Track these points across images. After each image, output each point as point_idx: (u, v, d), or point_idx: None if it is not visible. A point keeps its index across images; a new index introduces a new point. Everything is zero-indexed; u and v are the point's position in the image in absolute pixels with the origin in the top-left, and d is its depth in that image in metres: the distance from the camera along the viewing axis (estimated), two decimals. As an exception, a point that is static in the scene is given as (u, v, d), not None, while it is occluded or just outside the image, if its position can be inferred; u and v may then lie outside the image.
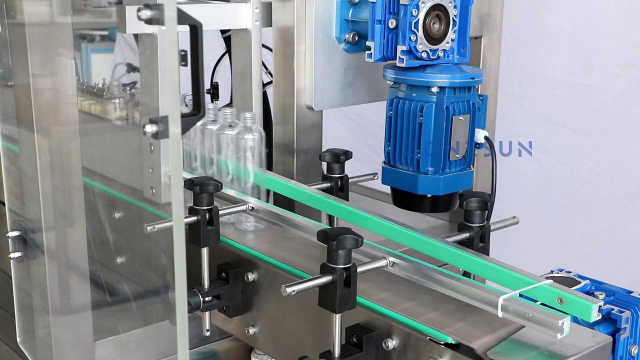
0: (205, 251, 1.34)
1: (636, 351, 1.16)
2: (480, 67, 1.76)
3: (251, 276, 1.36)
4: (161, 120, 0.86)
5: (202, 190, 1.31)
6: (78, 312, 1.44)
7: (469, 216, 1.29)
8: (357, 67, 1.67)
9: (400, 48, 1.42)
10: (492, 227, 1.33)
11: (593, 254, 2.50)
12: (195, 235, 1.33)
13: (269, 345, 1.37)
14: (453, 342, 1.07)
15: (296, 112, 1.63)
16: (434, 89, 1.44)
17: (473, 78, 1.47)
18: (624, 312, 1.14)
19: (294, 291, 1.08)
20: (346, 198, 1.56)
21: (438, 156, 1.46)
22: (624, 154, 2.40)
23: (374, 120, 2.87)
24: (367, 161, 2.75)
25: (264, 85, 1.78)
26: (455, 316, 1.13)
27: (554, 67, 2.47)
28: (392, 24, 1.44)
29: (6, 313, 1.71)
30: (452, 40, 1.47)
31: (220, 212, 1.35)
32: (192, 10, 1.06)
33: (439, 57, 1.46)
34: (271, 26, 1.65)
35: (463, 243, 1.27)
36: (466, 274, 1.22)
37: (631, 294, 1.21)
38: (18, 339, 1.56)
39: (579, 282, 1.24)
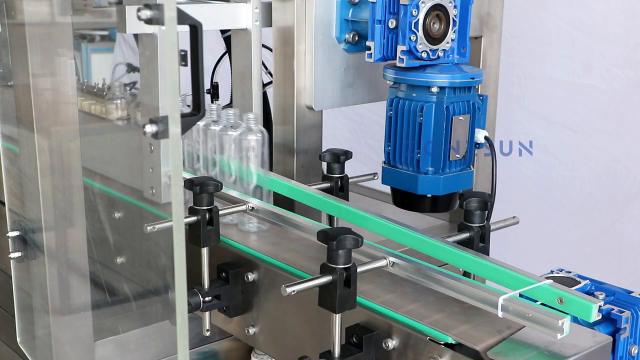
0: (205, 251, 1.34)
1: (636, 351, 1.16)
2: (480, 67, 1.76)
3: (251, 276, 1.36)
4: (161, 120, 0.86)
5: (202, 190, 1.31)
6: (78, 312, 1.44)
7: (469, 216, 1.29)
8: (357, 67, 1.67)
9: (400, 48, 1.42)
10: (492, 227, 1.33)
11: (593, 254, 2.50)
12: (195, 235, 1.33)
13: (269, 345, 1.37)
14: (453, 342, 1.07)
15: (296, 112, 1.63)
16: (434, 89, 1.44)
17: (473, 78, 1.47)
18: (624, 312, 1.14)
19: (294, 291, 1.08)
20: (346, 198, 1.56)
21: (438, 156, 1.46)
22: (624, 154, 2.40)
23: (374, 120, 2.87)
24: (367, 161, 2.75)
25: (264, 85, 1.78)
26: (460, 318, 1.13)
27: (554, 67, 2.47)
28: (392, 24, 1.44)
29: (6, 313, 1.71)
30: (452, 40, 1.47)
31: (220, 212, 1.35)
32: (192, 10, 1.06)
33: (439, 57, 1.46)
34: (271, 26, 1.65)
35: (463, 243, 1.27)
36: (466, 274, 1.22)
37: (631, 294, 1.21)
38: (18, 339, 1.55)
39: (579, 282, 1.24)
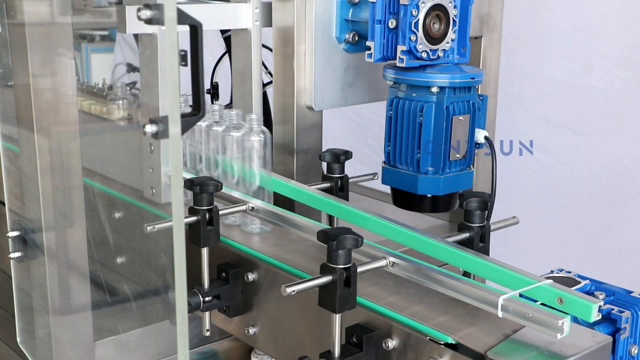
0: (205, 251, 1.34)
1: (636, 351, 1.16)
2: (480, 67, 1.76)
3: (251, 276, 1.36)
4: (161, 120, 0.86)
5: (202, 190, 1.31)
6: (78, 312, 1.44)
7: (469, 216, 1.29)
8: (357, 67, 1.67)
9: (400, 48, 1.42)
10: (492, 227, 1.33)
11: (593, 254, 2.51)
12: (195, 235, 1.33)
13: (269, 345, 1.37)
14: (453, 342, 1.07)
15: (296, 112, 1.63)
16: (434, 89, 1.44)
17: (473, 78, 1.47)
18: (624, 312, 1.14)
19: (294, 291, 1.08)
20: (346, 198, 1.56)
21: (438, 156, 1.46)
22: (624, 154, 2.40)
23: (374, 120, 2.87)
24: (367, 161, 2.75)
25: (264, 85, 1.78)
26: (465, 320, 1.13)
27: (554, 67, 2.47)
28: (392, 24, 1.44)
29: (6, 313, 1.71)
30: (452, 40, 1.47)
31: (220, 212, 1.35)
32: (192, 10, 1.06)
33: (439, 57, 1.46)
34: (271, 26, 1.65)
35: (463, 243, 1.27)
36: (466, 274, 1.22)
37: (631, 294, 1.21)
38: (18, 339, 1.55)
39: (579, 282, 1.24)
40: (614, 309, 1.15)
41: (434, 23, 1.44)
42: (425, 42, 1.43)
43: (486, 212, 1.30)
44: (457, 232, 1.30)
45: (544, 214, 2.58)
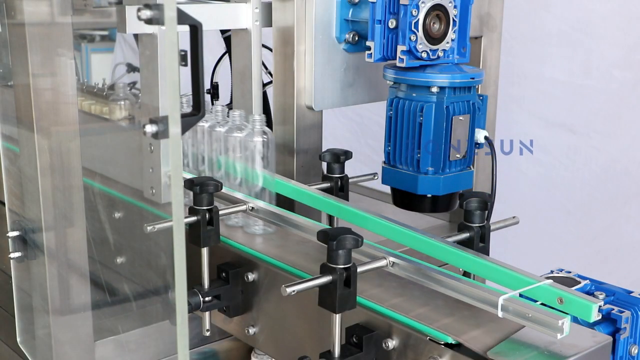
0: (205, 251, 1.34)
1: (636, 351, 1.16)
2: (480, 67, 1.76)
3: (251, 276, 1.35)
4: (161, 120, 0.86)
5: (202, 190, 1.31)
6: (78, 312, 1.44)
7: (469, 216, 1.29)
8: (357, 67, 1.67)
9: (400, 48, 1.42)
10: (492, 227, 1.33)
11: (593, 254, 2.51)
12: (195, 235, 1.33)
13: (269, 345, 1.37)
14: (453, 342, 1.07)
15: (296, 112, 1.63)
16: (434, 89, 1.44)
17: (473, 78, 1.47)
18: (624, 312, 1.14)
19: (294, 291, 1.08)
20: (346, 198, 1.56)
21: (438, 156, 1.46)
22: (623, 154, 2.40)
23: (374, 120, 2.87)
24: (367, 161, 2.75)
25: (264, 85, 1.78)
26: (470, 322, 1.12)
27: (554, 67, 2.47)
28: (392, 24, 1.44)
29: (6, 313, 1.71)
30: (452, 40, 1.47)
31: (220, 212, 1.35)
32: (192, 10, 1.06)
33: (439, 57, 1.46)
34: (271, 26, 1.65)
35: (463, 243, 1.27)
36: (466, 274, 1.22)
37: (631, 294, 1.21)
38: (18, 339, 1.55)
39: (579, 282, 1.24)
40: (614, 309, 1.15)
41: (434, 23, 1.44)
42: (425, 42, 1.43)
43: (486, 212, 1.30)
44: (457, 232, 1.30)
45: (543, 214, 2.58)
